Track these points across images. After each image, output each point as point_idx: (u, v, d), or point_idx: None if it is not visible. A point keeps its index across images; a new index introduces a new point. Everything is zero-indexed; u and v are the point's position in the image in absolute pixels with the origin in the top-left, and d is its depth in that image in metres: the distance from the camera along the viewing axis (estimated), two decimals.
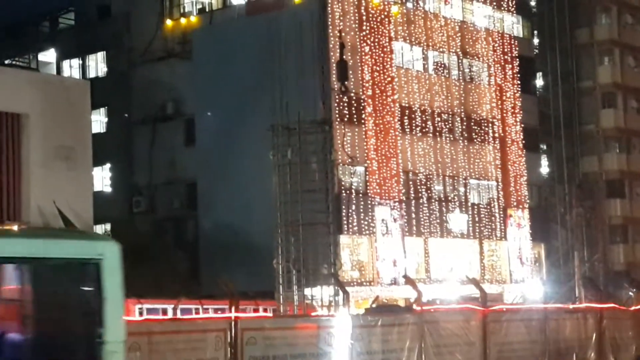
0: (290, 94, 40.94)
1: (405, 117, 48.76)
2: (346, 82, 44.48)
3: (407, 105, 49.01)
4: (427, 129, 49.81)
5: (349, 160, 45.27)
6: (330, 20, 46.02)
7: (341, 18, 46.49)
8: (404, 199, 47.97)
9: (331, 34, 45.85)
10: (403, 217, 47.63)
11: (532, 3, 61.81)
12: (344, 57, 44.35)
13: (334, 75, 45.24)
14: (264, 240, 38.56)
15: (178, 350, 18.06)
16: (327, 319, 21.03)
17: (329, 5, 46.15)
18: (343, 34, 45.67)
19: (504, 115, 54.36)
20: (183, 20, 52.24)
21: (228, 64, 47.65)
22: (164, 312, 30.42)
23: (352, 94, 46.16)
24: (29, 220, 37.77)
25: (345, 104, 45.84)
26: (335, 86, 45.20)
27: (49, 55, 57.61)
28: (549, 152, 61.99)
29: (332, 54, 45.56)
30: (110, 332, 12.03)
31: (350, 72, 46.19)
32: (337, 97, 45.21)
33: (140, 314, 30.15)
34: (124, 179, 53.22)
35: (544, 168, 61.10)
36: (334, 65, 44.99)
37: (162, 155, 51.63)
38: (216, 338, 18.46)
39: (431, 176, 49.84)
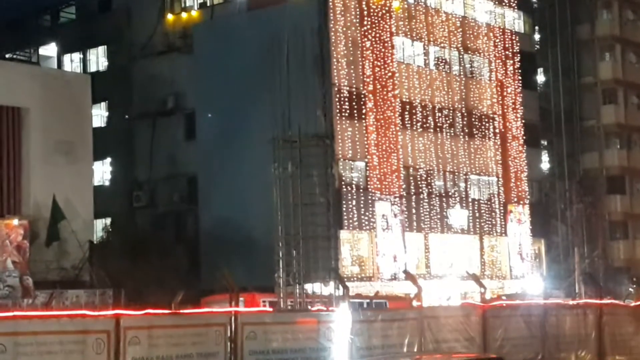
0: (291, 92, 40.80)
1: (406, 113, 48.75)
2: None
3: (408, 100, 48.98)
4: (427, 125, 49.79)
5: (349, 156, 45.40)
6: (331, 15, 45.99)
7: (342, 13, 46.46)
8: (405, 194, 47.96)
9: (332, 29, 45.82)
10: (403, 213, 47.63)
11: None
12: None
13: (335, 72, 45.29)
14: (264, 235, 38.57)
15: (178, 344, 18.07)
16: (327, 313, 21.01)
17: (330, 0, 46.12)
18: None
19: (505, 110, 54.31)
20: (184, 15, 52.21)
21: (229, 58, 47.62)
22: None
23: (354, 89, 46.16)
24: (30, 214, 37.92)
25: (346, 99, 45.83)
26: (337, 82, 45.29)
27: (49, 49, 57.52)
28: (550, 148, 61.92)
29: (333, 49, 45.55)
30: None
31: (352, 67, 46.23)
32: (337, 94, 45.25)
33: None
34: (125, 173, 53.20)
35: (545, 164, 61.05)
36: (335, 61, 45.05)
37: (163, 150, 51.63)
38: (216, 332, 18.49)
39: (432, 172, 49.82)
